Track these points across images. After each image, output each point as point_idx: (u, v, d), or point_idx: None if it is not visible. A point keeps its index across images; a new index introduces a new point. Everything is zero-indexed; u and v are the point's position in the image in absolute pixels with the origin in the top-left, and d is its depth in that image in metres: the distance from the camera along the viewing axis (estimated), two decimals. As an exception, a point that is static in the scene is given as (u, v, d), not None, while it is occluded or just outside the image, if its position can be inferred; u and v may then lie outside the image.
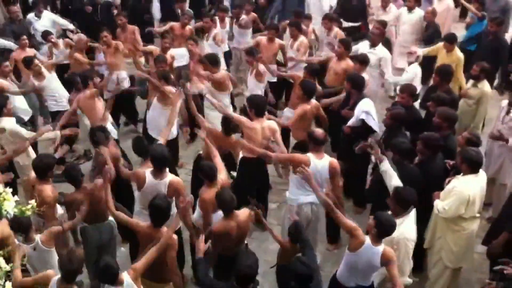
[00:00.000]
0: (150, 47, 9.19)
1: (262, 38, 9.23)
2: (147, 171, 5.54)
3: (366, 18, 10.59)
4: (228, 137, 6.55)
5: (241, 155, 6.67)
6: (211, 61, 7.68)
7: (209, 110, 7.76)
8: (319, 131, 5.82)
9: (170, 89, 7.23)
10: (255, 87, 8.25)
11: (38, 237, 5.04)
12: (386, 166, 5.47)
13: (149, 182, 5.49)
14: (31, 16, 10.28)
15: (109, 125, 7.12)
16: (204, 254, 4.81)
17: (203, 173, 5.49)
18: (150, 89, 8.20)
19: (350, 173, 7.00)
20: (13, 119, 6.90)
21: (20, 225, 4.83)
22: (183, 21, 9.74)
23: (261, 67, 8.21)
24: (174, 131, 7.40)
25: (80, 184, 5.55)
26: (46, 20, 10.20)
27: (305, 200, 5.86)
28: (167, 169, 5.56)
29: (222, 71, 8.00)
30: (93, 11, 10.97)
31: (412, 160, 5.93)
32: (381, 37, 8.77)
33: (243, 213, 5.29)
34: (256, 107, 6.47)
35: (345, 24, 10.39)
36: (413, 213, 5.10)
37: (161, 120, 7.15)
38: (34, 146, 7.29)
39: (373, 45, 8.55)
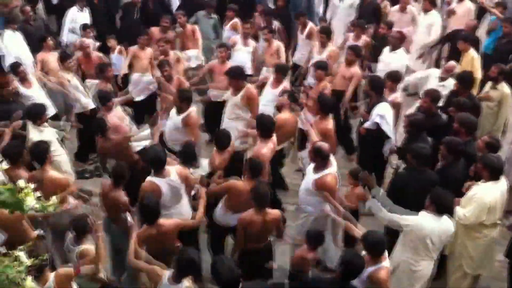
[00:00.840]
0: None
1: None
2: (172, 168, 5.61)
3: (379, 20, 10.47)
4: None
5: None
6: (234, 75, 7.32)
7: (227, 119, 7.50)
8: (324, 145, 5.78)
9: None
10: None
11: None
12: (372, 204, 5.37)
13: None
14: (73, 9, 10.35)
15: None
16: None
17: (251, 168, 5.61)
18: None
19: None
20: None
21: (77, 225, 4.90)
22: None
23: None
24: None
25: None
26: (87, 15, 10.36)
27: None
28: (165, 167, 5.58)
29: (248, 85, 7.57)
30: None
31: (433, 167, 5.90)
32: (401, 41, 8.76)
33: (273, 211, 5.37)
34: (262, 128, 6.31)
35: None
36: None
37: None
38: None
39: (393, 48, 8.56)
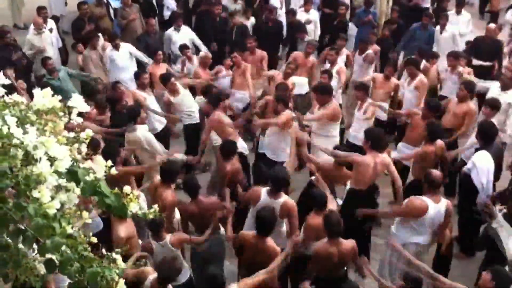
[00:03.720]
0: (272, 72, 9.39)
1: (378, 75, 9.08)
2: (263, 190, 5.71)
3: (501, 59, 10.07)
4: (339, 169, 6.55)
5: (348, 185, 6.60)
6: (323, 91, 7.62)
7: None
8: (436, 173, 5.64)
9: (288, 113, 7.31)
10: (360, 124, 7.94)
11: (168, 237, 5.33)
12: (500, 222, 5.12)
13: (263, 200, 5.63)
14: (170, 29, 10.87)
15: (240, 141, 7.32)
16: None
17: (314, 200, 5.59)
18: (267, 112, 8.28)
19: (463, 219, 6.67)
20: (146, 127, 7.30)
21: (153, 223, 5.13)
22: (307, 51, 9.80)
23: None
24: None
25: (196, 196, 5.75)
26: (184, 35, 10.74)
27: (410, 239, 5.65)
28: (283, 193, 5.69)
29: (334, 101, 7.90)
30: (226, 32, 11.33)
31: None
32: None
33: (347, 242, 5.28)
34: (373, 140, 6.31)
35: (476, 62, 9.96)
36: None
37: (280, 144, 7.41)
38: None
39: (504, 88, 8.02)
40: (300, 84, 9.10)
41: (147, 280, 4.70)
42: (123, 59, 9.74)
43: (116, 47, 9.71)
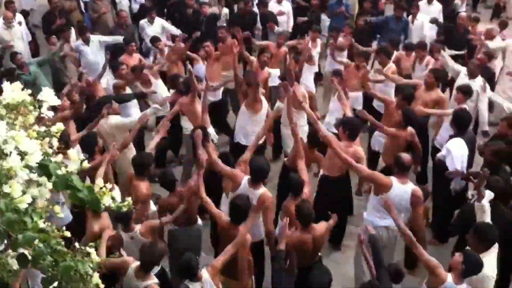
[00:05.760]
0: (251, 57, 9.37)
1: (352, 64, 9.14)
2: (246, 177, 5.69)
3: (473, 47, 10.19)
4: (312, 151, 6.63)
5: (321, 172, 6.74)
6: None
7: (283, 127, 7.88)
8: (406, 157, 5.70)
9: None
10: (335, 110, 8.05)
11: (137, 228, 5.33)
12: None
13: (243, 187, 5.63)
14: (144, 21, 10.77)
15: (210, 129, 7.28)
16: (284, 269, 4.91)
17: (291, 186, 5.67)
18: (239, 96, 8.27)
19: (437, 206, 6.77)
20: (118, 116, 7.24)
21: (122, 215, 5.09)
22: (279, 42, 9.81)
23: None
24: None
25: (174, 188, 5.76)
26: (157, 26, 10.67)
27: (381, 223, 5.72)
28: (262, 184, 5.69)
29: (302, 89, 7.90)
30: (198, 22, 11.28)
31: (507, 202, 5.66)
32: (480, 69, 8.39)
33: (320, 226, 5.39)
34: (350, 130, 6.37)
35: (448, 52, 10.07)
36: (494, 248, 4.85)
37: (248, 127, 7.41)
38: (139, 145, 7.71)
39: (471, 76, 8.09)
40: (273, 75, 9.07)
41: (129, 269, 4.71)
42: (94, 53, 9.65)
43: (86, 41, 9.61)
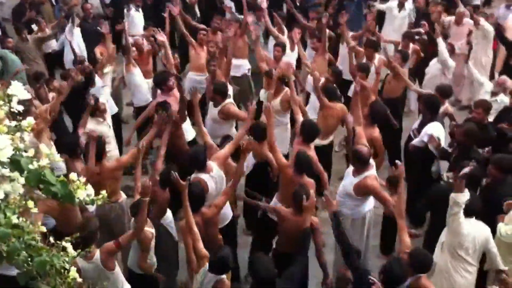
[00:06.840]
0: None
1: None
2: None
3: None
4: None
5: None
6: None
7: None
8: (363, 149, 5.69)
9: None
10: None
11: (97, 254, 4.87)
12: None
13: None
14: (132, 10, 10.63)
15: (187, 125, 7.18)
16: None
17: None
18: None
19: (411, 191, 6.86)
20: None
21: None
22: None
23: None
24: None
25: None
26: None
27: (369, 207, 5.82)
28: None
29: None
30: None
31: (478, 183, 5.76)
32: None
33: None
34: (307, 133, 6.25)
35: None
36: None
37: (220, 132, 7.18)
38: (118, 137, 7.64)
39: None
40: (236, 65, 8.74)
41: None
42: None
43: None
